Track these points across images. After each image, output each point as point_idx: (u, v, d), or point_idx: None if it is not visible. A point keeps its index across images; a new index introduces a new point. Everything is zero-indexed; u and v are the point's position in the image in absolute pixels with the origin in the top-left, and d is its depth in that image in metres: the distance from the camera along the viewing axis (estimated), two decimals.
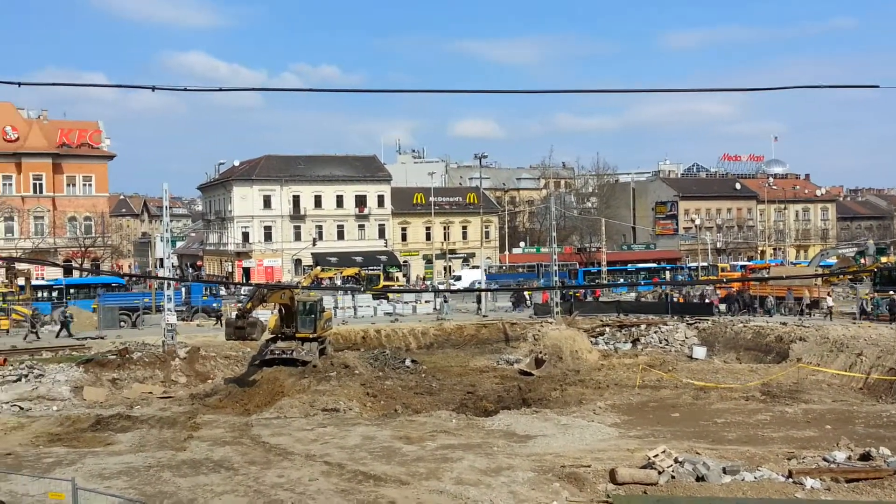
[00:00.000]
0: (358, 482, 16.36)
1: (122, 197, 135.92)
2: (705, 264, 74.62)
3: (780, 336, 35.75)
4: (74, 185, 68.95)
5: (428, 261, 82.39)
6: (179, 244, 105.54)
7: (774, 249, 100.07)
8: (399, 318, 45.78)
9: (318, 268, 70.97)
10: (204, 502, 15.21)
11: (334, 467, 17.56)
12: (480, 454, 18.64)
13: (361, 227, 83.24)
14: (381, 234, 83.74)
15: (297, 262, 78.62)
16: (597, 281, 64.22)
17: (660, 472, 16.39)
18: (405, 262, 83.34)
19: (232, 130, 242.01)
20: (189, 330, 39.06)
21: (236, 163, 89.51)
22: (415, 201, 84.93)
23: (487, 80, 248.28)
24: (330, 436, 21.02)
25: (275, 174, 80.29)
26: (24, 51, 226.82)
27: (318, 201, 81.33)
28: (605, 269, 67.95)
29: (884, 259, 61.14)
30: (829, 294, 43.30)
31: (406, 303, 48.57)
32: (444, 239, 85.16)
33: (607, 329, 42.30)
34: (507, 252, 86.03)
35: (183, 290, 46.14)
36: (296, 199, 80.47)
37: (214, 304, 47.98)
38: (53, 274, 58.41)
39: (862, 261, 55.12)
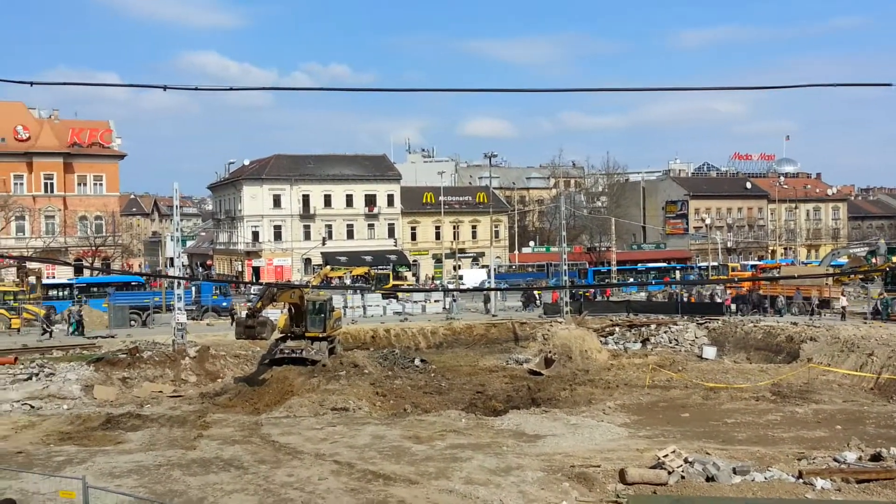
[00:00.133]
0: (367, 481, 16.38)
1: (132, 196, 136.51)
2: (716, 264, 74.32)
3: (791, 336, 35.57)
4: (85, 184, 69.34)
5: (437, 260, 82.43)
6: (190, 243, 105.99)
7: (785, 249, 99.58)
8: (408, 317, 45.80)
9: (328, 267, 71.22)
10: (214, 501, 15.25)
11: (344, 466, 17.59)
12: (490, 454, 18.63)
13: (371, 226, 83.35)
14: (391, 233, 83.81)
15: (307, 261, 78.82)
16: (607, 280, 64.09)
17: (670, 473, 16.34)
18: (415, 261, 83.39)
19: (242, 130, 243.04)
20: (199, 329, 39.20)
21: (246, 162, 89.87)
22: (424, 201, 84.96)
23: (497, 79, 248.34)
24: (339, 435, 21.06)
25: (285, 173, 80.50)
26: (36, 50, 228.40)
27: (327, 200, 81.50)
28: (614, 268, 67.77)
29: (895, 258, 60.71)
30: (842, 294, 43.04)
31: (415, 302, 48.60)
32: (454, 238, 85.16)
33: (617, 329, 42.18)
34: (516, 251, 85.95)
35: (193, 289, 46.32)
36: (305, 199, 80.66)
37: (224, 304, 48.18)
38: (65, 273, 58.86)
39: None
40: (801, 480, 15.97)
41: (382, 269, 74.65)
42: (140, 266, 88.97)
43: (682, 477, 16.25)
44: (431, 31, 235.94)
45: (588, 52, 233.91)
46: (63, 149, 67.52)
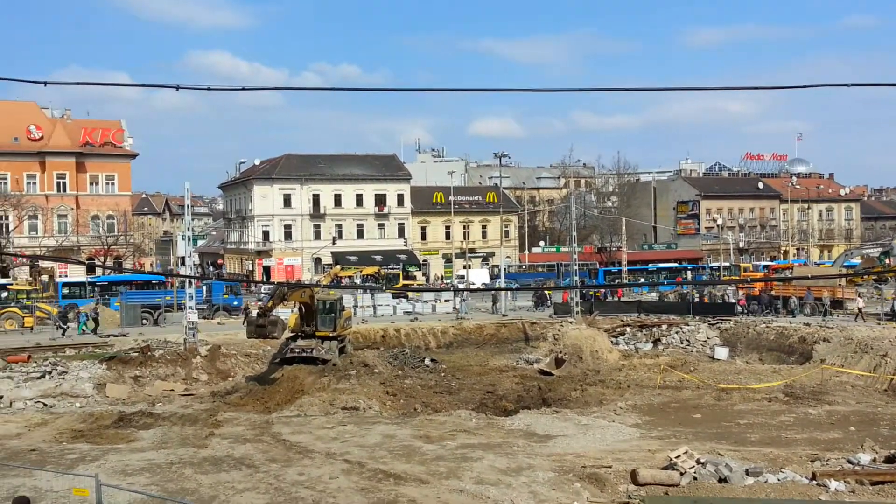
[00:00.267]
0: (378, 481, 16.38)
1: (144, 196, 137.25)
2: (727, 264, 73.96)
3: (804, 337, 35.36)
4: (97, 183, 69.73)
5: (447, 260, 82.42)
6: (201, 243, 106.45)
7: (798, 249, 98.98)
8: (418, 317, 45.80)
9: (338, 266, 71.35)
10: (225, 499, 15.29)
11: (354, 465, 17.60)
12: (500, 454, 18.60)
13: (381, 226, 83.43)
14: (401, 233, 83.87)
15: (317, 260, 78.99)
16: (617, 281, 63.89)
17: (682, 474, 16.27)
18: (425, 261, 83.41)
19: (253, 130, 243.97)
20: (210, 328, 39.32)
21: (257, 162, 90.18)
22: (434, 200, 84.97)
23: (507, 78, 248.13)
24: (350, 434, 21.08)
25: (295, 173, 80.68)
26: (47, 50, 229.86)
27: (337, 200, 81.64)
28: (625, 268, 67.55)
29: None
30: (858, 296, 42.74)
31: (426, 302, 48.57)
32: (464, 238, 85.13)
33: (628, 329, 42.04)
34: (526, 251, 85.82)
35: (204, 288, 46.48)
36: (316, 198, 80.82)
37: (235, 303, 48.34)
38: (77, 272, 59.17)
39: (886, 261, 54.34)
40: (814, 482, 15.87)
41: (392, 268, 74.71)
42: (152, 265, 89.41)
43: (695, 478, 16.18)
44: (441, 30, 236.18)
45: (598, 52, 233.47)
46: (75, 148, 67.92)
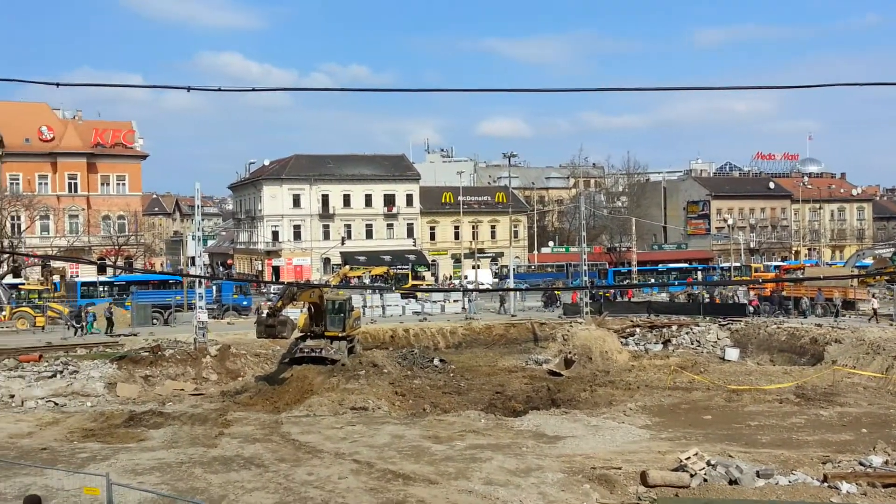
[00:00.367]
0: (387, 481, 16.39)
1: (154, 196, 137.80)
2: (738, 265, 73.63)
3: (815, 338, 35.13)
4: (108, 184, 70.13)
5: (456, 260, 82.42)
6: (210, 243, 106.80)
7: (809, 250, 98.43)
8: (427, 317, 45.81)
9: (347, 267, 71.37)
10: (235, 499, 15.33)
11: (363, 466, 17.61)
12: (510, 454, 18.57)
13: (390, 226, 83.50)
14: (410, 233, 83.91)
15: (326, 260, 79.13)
16: (627, 281, 63.71)
17: (692, 475, 16.21)
18: (434, 261, 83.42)
19: (262, 130, 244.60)
20: (220, 328, 39.44)
21: (266, 162, 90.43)
22: (443, 200, 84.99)
23: (515, 79, 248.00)
24: (359, 434, 21.10)
25: (304, 173, 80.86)
26: (59, 52, 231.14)
27: (346, 200, 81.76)
28: (635, 269, 67.36)
29: None
30: (873, 296, 42.46)
31: (434, 302, 48.57)
32: (473, 238, 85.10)
33: (638, 330, 41.88)
34: (535, 251, 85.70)
35: (214, 288, 46.62)
36: (325, 199, 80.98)
37: (245, 302, 48.47)
38: (89, 272, 59.48)
39: None
40: (826, 484, 15.79)
41: (401, 268, 74.73)
42: (162, 265, 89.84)
43: (705, 480, 16.11)
44: (449, 31, 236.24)
45: (606, 52, 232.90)
46: (87, 149, 68.31)
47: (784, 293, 44.30)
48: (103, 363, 29.77)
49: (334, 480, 16.42)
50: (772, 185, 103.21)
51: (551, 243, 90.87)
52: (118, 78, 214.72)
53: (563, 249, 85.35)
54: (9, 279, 51.91)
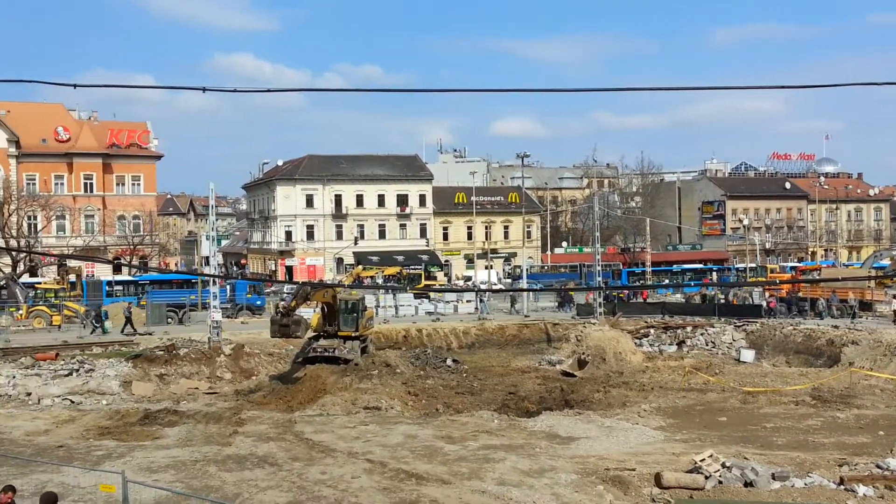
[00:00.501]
0: (400, 480, 16.38)
1: (168, 196, 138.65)
2: (754, 265, 73.13)
3: (832, 339, 34.85)
4: (123, 184, 70.60)
5: (469, 260, 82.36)
6: (224, 243, 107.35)
7: (826, 250, 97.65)
8: (440, 317, 45.79)
9: (360, 267, 71.54)
10: (249, 497, 15.37)
11: (376, 465, 17.62)
12: (523, 455, 18.52)
13: (403, 226, 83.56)
14: (423, 233, 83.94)
15: (339, 260, 79.31)
16: (641, 282, 63.43)
17: (707, 477, 16.10)
18: (446, 261, 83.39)
19: (276, 130, 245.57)
20: (234, 327, 39.61)
21: (280, 162, 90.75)
22: (456, 201, 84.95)
23: (527, 79, 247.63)
24: (372, 434, 21.12)
25: (317, 174, 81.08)
26: (74, 53, 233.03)
27: (359, 200, 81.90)
28: (649, 269, 67.05)
29: None
30: (894, 297, 42.05)
31: (447, 302, 48.53)
32: (486, 238, 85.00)
33: (652, 331, 41.67)
34: (549, 252, 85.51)
35: (228, 287, 46.80)
36: (338, 199, 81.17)
37: (258, 302, 48.64)
38: (104, 271, 60.00)
39: None
40: (842, 487, 15.64)
41: (414, 268, 74.76)
42: (176, 265, 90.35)
43: (720, 482, 16.00)
44: (462, 31, 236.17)
45: (621, 52, 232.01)
46: (102, 149, 68.80)
47: (800, 294, 43.94)
48: (119, 362, 29.97)
49: (347, 480, 16.44)
50: (788, 185, 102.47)
51: (564, 244, 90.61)
52: (131, 79, 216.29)
53: (577, 250, 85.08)
54: (25, 278, 52.34)
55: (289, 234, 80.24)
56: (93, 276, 55.92)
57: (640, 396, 27.92)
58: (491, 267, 72.97)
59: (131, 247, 66.67)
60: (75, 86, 9.63)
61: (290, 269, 78.58)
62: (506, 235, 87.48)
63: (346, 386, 27.49)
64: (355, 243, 77.22)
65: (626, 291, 52.71)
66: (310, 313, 34.60)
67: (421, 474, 16.80)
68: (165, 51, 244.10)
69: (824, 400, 26.18)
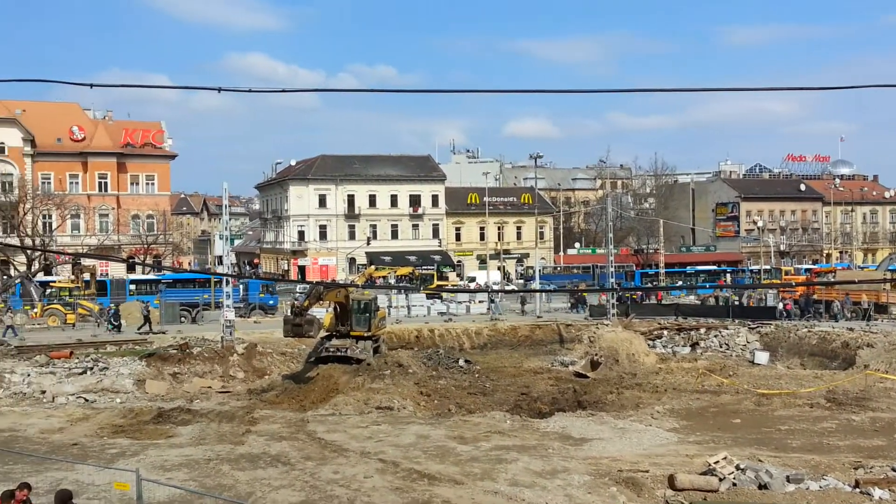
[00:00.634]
0: (412, 480, 16.37)
1: (182, 195, 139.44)
2: (768, 267, 72.66)
3: (847, 342, 34.58)
4: (138, 183, 71.05)
5: (482, 261, 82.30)
6: (237, 242, 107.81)
7: (841, 253, 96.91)
8: (452, 317, 45.78)
9: (373, 267, 71.63)
10: (262, 496, 15.40)
11: (389, 465, 17.61)
12: (535, 456, 18.46)
13: (415, 226, 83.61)
14: (435, 233, 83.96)
15: (352, 260, 79.47)
16: (654, 283, 63.16)
17: (721, 479, 15.99)
18: (459, 261, 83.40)
19: (289, 130, 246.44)
20: (246, 326, 39.76)
21: (293, 162, 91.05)
22: (469, 201, 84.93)
23: (541, 79, 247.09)
24: (384, 434, 21.11)
25: (330, 174, 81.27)
26: (88, 53, 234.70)
27: (372, 201, 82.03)
28: (662, 270, 66.74)
29: None
30: None
31: (460, 303, 48.53)
32: (499, 239, 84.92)
33: (665, 332, 41.49)
34: (561, 253, 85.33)
35: (241, 287, 46.98)
36: (350, 199, 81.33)
37: (271, 301, 48.78)
38: (118, 270, 60.38)
39: None
40: (857, 490, 15.50)
41: (426, 269, 74.78)
42: (190, 264, 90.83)
43: (734, 484, 15.90)
44: (477, 31, 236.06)
45: (636, 53, 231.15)
46: (117, 149, 69.27)
47: (815, 296, 43.63)
48: (132, 360, 30.12)
49: (360, 479, 16.44)
50: (803, 186, 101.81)
51: (577, 245, 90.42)
52: (146, 78, 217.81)
53: (590, 251, 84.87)
54: (40, 277, 52.75)
55: (301, 234, 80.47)
56: (107, 275, 56.24)
57: (653, 398, 27.77)
58: (505, 267, 72.91)
59: (145, 246, 67.08)
60: (91, 85, 9.71)
61: (302, 269, 78.79)
62: (518, 236, 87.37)
63: (359, 386, 27.50)
64: (368, 243, 77.34)
65: (640, 293, 52.49)
66: (322, 313, 34.66)
67: (433, 474, 16.78)
68: (180, 51, 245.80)
69: (839, 402, 25.95)
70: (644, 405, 26.46)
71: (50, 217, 64.58)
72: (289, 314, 30.77)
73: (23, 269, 54.90)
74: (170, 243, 72.85)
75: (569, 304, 51.21)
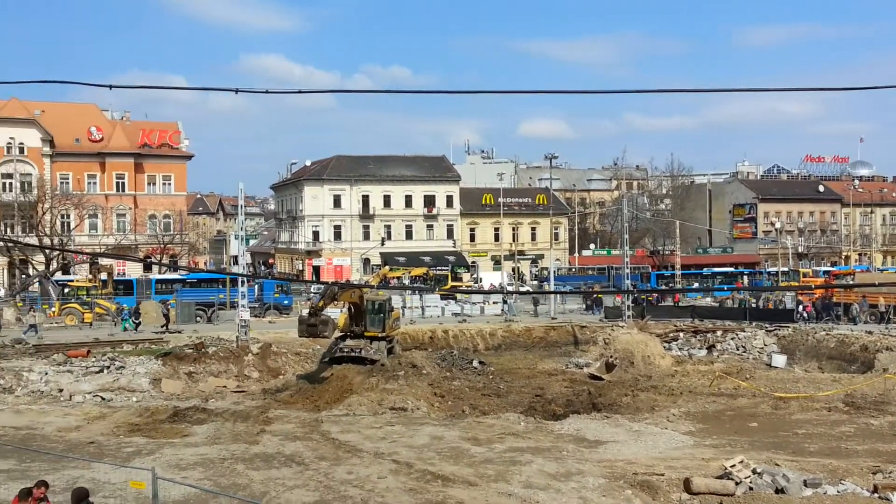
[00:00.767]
0: (426, 482, 16.34)
1: (198, 196, 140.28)
2: (786, 269, 72.04)
3: (866, 345, 34.22)
4: (155, 183, 71.61)
5: (496, 262, 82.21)
6: (252, 242, 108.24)
7: (860, 255, 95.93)
8: (467, 318, 45.73)
9: (387, 267, 71.67)
10: (276, 495, 15.42)
11: (403, 466, 17.59)
12: (550, 458, 18.38)
13: (430, 227, 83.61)
14: (450, 234, 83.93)
15: (366, 261, 79.60)
16: (670, 285, 62.81)
17: (737, 483, 15.84)
18: (473, 262, 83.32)
19: (304, 131, 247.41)
20: (261, 326, 39.91)
21: (308, 163, 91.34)
22: (483, 202, 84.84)
23: (557, 80, 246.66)
24: (398, 434, 21.10)
25: (345, 174, 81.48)
26: (108, 54, 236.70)
27: (387, 201, 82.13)
28: (678, 272, 66.35)
29: None
30: None
31: (474, 303, 48.49)
32: (513, 240, 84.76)
33: (681, 335, 41.22)
34: (576, 254, 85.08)
35: (256, 287, 47.18)
36: (365, 199, 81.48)
37: (286, 301, 48.95)
38: (135, 270, 60.85)
39: None
40: (876, 495, 15.33)
41: (441, 269, 74.75)
42: (206, 264, 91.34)
43: (751, 488, 15.74)
44: (492, 31, 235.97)
45: (652, 53, 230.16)
46: (134, 149, 69.86)
47: (833, 299, 43.21)
48: (148, 359, 30.32)
49: (374, 480, 16.44)
50: (821, 188, 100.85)
51: (592, 246, 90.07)
52: (164, 79, 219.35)
53: (605, 252, 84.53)
54: (58, 276, 53.26)
55: (316, 235, 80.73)
56: (124, 274, 56.71)
57: (668, 401, 27.56)
58: (519, 268, 72.76)
59: (162, 245, 67.57)
60: (111, 86, 9.93)
61: (317, 269, 79.04)
62: (533, 237, 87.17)
63: (373, 386, 27.49)
64: (382, 244, 77.43)
65: (655, 294, 52.21)
66: (337, 313, 34.72)
67: (447, 476, 16.74)
68: (197, 52, 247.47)
69: (857, 406, 25.65)
70: (659, 408, 26.27)
71: (68, 217, 65.19)
72: (304, 314, 30.83)
73: (41, 268, 55.43)
74: (186, 243, 73.33)
75: (584, 306, 51.02)
